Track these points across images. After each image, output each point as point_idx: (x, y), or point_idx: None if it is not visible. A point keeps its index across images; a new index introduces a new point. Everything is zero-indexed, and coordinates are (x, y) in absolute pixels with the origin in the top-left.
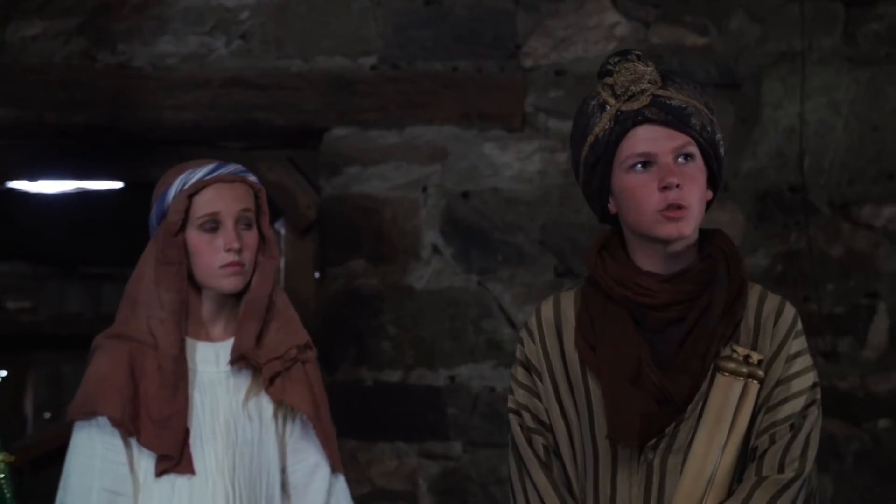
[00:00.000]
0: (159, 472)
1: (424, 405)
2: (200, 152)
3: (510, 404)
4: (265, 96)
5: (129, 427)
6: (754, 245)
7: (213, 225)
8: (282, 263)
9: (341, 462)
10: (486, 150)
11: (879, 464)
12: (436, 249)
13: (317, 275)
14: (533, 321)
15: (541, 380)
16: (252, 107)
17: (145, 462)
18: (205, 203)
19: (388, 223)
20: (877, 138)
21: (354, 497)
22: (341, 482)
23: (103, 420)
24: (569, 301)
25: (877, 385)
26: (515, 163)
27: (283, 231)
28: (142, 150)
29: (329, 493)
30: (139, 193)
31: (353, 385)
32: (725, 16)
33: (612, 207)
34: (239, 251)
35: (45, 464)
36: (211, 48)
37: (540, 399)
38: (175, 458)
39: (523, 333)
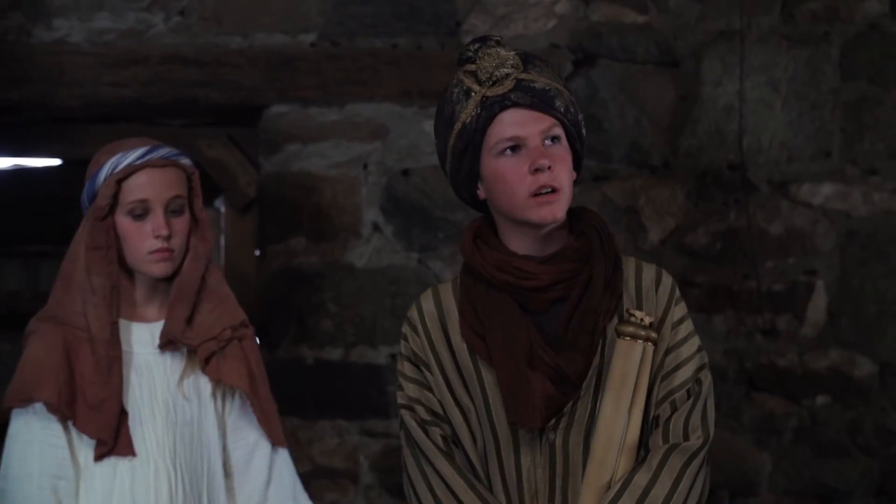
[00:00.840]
0: (97, 457)
1: (365, 383)
2: (139, 129)
3: (400, 400)
4: (204, 73)
5: (66, 412)
6: (694, 223)
7: (141, 211)
8: (222, 241)
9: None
10: (426, 128)
11: (817, 440)
12: (376, 227)
13: (257, 252)
14: (415, 315)
15: (430, 372)
16: (191, 83)
17: (86, 446)
18: (134, 189)
19: (329, 201)
20: (815, 117)
21: None
22: (283, 456)
23: (40, 406)
24: (448, 293)
25: (815, 362)
26: None
27: (223, 209)
28: (80, 127)
29: (270, 469)
30: (77, 170)
31: (293, 363)
32: None
33: (481, 193)
34: (168, 238)
35: None
36: (149, 24)
37: (432, 391)
38: (109, 442)
39: (406, 329)
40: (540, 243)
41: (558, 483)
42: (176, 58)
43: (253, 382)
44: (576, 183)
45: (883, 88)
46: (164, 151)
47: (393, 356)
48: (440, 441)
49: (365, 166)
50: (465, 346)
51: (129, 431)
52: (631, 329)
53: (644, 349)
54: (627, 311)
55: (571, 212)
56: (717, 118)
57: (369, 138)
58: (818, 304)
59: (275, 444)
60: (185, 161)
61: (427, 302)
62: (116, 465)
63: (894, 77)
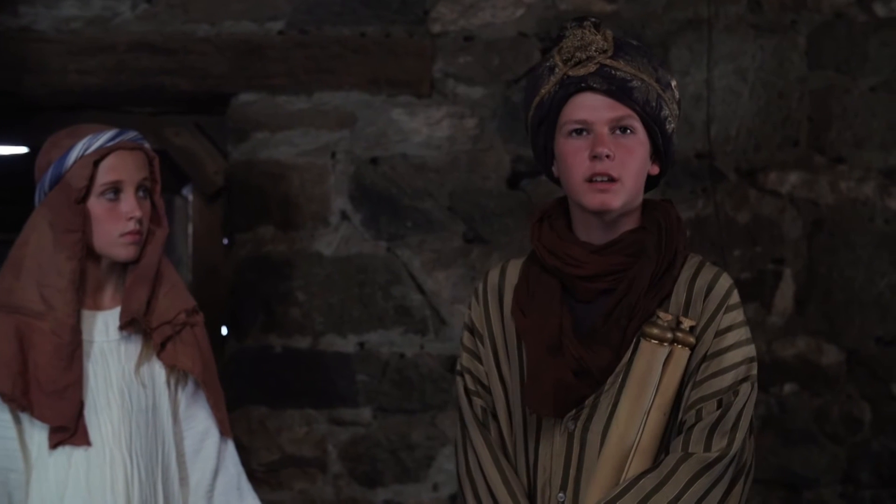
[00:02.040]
0: (54, 445)
1: (334, 372)
2: (106, 117)
3: (458, 367)
4: (171, 61)
5: (21, 401)
6: None
7: (114, 193)
8: (190, 229)
9: (230, 428)
10: (394, 116)
11: (785, 427)
12: (344, 215)
13: (225, 241)
14: (479, 286)
15: (482, 343)
16: (158, 71)
17: (38, 436)
18: (108, 170)
19: (297, 189)
20: (782, 105)
21: (264, 464)
22: (230, 447)
23: None
24: (515, 268)
25: (783, 350)
26: (424, 129)
27: (190, 197)
28: (46, 115)
29: (218, 459)
30: None
31: (262, 352)
32: None
33: (555, 171)
34: (139, 220)
35: None
36: (116, 11)
37: (481, 362)
38: (71, 429)
39: (472, 299)
40: (602, 231)
41: (572, 473)
42: (143, 45)
43: (206, 369)
44: None
45: (850, 77)
46: (132, 135)
47: (361, 345)
48: (479, 412)
49: (333, 155)
50: (513, 322)
51: (84, 421)
52: (656, 331)
53: (672, 353)
54: (655, 313)
55: (647, 203)
56: (684, 107)
57: (337, 126)
58: (786, 293)
59: (223, 433)
60: (148, 146)
61: (493, 274)
62: (71, 455)
63: (861, 66)
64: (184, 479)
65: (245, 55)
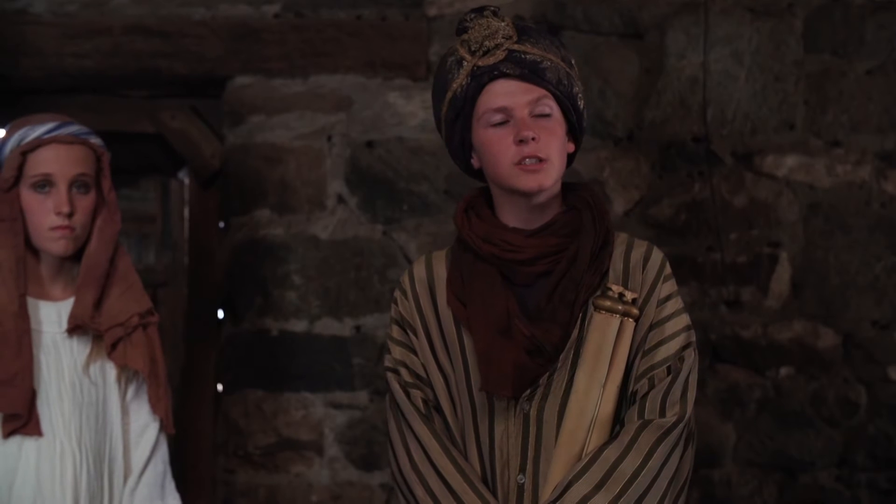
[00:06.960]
0: (7, 433)
1: (330, 355)
2: (102, 101)
3: (387, 363)
4: (168, 44)
5: None
6: (658, 195)
7: (45, 185)
8: (186, 213)
9: (170, 419)
10: (390, 100)
11: (781, 411)
12: (341, 199)
13: (221, 224)
14: (406, 280)
15: (416, 336)
16: (154, 55)
17: None
18: (39, 162)
19: (293, 172)
20: (779, 88)
21: (261, 447)
22: (163, 446)
23: None
24: (440, 260)
25: (779, 333)
26: (420, 112)
27: (186, 180)
28: (42, 98)
29: (151, 453)
30: None
31: (258, 335)
32: None
33: (475, 162)
34: (70, 215)
35: None
36: None
37: (416, 355)
38: (23, 416)
39: (397, 293)
40: (530, 215)
41: (530, 453)
42: (139, 28)
43: (154, 366)
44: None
45: (846, 60)
46: (74, 129)
47: (357, 328)
48: (420, 404)
49: (329, 138)
50: (450, 312)
51: (37, 410)
52: (608, 303)
53: (622, 324)
54: (605, 285)
55: (567, 186)
56: (681, 90)
57: (333, 110)
58: (782, 276)
59: (165, 429)
60: (95, 140)
61: (419, 268)
62: (22, 444)
63: (857, 49)
64: (129, 474)
65: (241, 38)
